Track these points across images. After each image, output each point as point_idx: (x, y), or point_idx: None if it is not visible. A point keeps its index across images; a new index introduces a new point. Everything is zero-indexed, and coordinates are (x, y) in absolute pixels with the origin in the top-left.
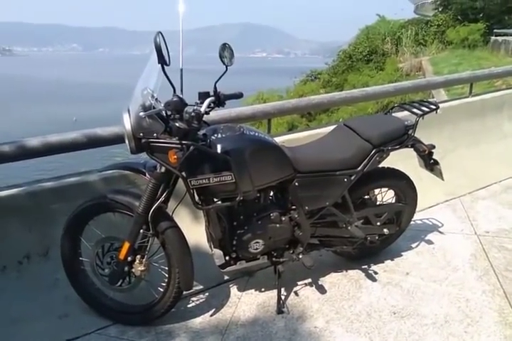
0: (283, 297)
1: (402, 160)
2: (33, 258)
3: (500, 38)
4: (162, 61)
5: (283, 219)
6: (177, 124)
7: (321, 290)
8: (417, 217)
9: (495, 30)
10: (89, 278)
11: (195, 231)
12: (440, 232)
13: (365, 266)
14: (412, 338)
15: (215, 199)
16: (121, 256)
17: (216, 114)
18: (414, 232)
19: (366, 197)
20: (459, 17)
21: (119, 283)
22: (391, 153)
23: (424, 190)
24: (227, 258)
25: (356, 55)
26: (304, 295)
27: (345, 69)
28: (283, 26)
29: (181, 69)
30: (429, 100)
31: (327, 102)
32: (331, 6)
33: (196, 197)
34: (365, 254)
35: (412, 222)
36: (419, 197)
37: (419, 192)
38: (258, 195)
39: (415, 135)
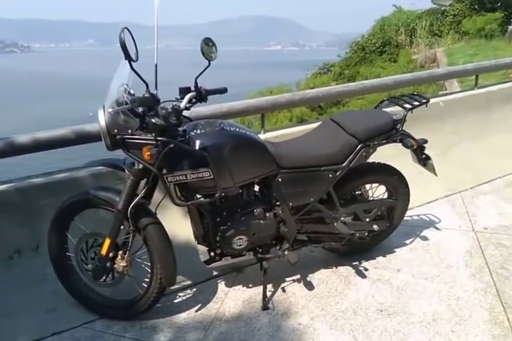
0: (270, 293)
1: (401, 154)
2: (24, 253)
3: None
4: (128, 57)
5: (267, 215)
6: (153, 120)
7: (309, 286)
8: (414, 212)
9: None
10: (77, 273)
11: (185, 226)
12: (436, 228)
13: (356, 263)
14: (397, 336)
15: (198, 196)
16: (103, 251)
17: (207, 108)
18: (410, 228)
19: (357, 192)
20: (476, 6)
21: (103, 279)
22: (389, 148)
23: (424, 184)
24: (211, 254)
25: (369, 47)
26: (291, 291)
27: (357, 61)
28: (298, 18)
29: (156, 65)
30: (420, 94)
31: (322, 96)
32: None
33: (178, 194)
34: (356, 250)
35: (408, 218)
36: (418, 192)
37: (419, 187)
38: (240, 191)
39: (406, 129)
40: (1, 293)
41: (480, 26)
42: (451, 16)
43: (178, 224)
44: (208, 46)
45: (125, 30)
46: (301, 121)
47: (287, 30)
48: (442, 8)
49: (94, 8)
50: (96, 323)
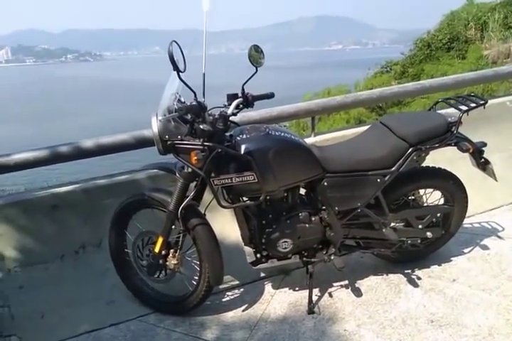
0: (316, 297)
1: (463, 158)
2: (88, 248)
3: None
4: (176, 69)
5: (312, 219)
6: (201, 127)
7: (357, 292)
8: (475, 219)
9: None
10: (133, 269)
11: (235, 228)
12: (499, 237)
13: (409, 271)
14: None
15: (244, 198)
16: (156, 249)
17: (257, 113)
18: (469, 236)
19: (409, 198)
20: None
21: (156, 275)
22: (450, 151)
23: (488, 190)
24: (258, 255)
25: (435, 44)
26: (338, 296)
27: (422, 58)
28: (360, 16)
29: (203, 74)
30: (477, 95)
31: (376, 98)
32: None
33: (226, 196)
34: (408, 258)
35: (468, 225)
36: (481, 198)
37: (482, 193)
38: (286, 194)
39: (470, 131)
40: (67, 284)
41: None
42: None
43: (227, 225)
44: (256, 53)
45: (173, 43)
46: (360, 122)
47: (349, 28)
48: None
49: (164, 17)
50: (150, 317)
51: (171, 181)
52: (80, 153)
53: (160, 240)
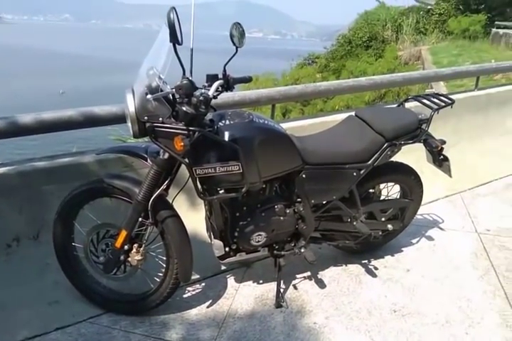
0: (282, 290)
1: (402, 152)
2: (23, 241)
3: (501, 31)
4: (175, 40)
5: (287, 211)
6: (184, 109)
7: (321, 284)
8: (418, 211)
9: (496, 23)
10: (82, 265)
11: (192, 218)
12: (441, 229)
13: (365, 261)
14: (413, 338)
15: (219, 190)
16: (118, 244)
17: (219, 97)
18: (415, 228)
19: (370, 191)
20: (461, 7)
21: (114, 272)
22: None
23: (424, 184)
24: (227, 249)
25: (356, 41)
26: (303, 289)
27: (343, 54)
28: (280, 6)
29: (191, 49)
30: (444, 94)
31: (334, 89)
32: None
33: (200, 187)
34: (365, 249)
35: None
36: None
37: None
38: (264, 186)
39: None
40: None
41: (464, 27)
42: (437, 15)
43: (184, 215)
44: (236, 32)
45: (173, 10)
46: (285, 110)
47: (268, 17)
48: (428, 7)
49: None
50: (102, 318)
51: (123, 166)
52: (17, 130)
53: (123, 234)
